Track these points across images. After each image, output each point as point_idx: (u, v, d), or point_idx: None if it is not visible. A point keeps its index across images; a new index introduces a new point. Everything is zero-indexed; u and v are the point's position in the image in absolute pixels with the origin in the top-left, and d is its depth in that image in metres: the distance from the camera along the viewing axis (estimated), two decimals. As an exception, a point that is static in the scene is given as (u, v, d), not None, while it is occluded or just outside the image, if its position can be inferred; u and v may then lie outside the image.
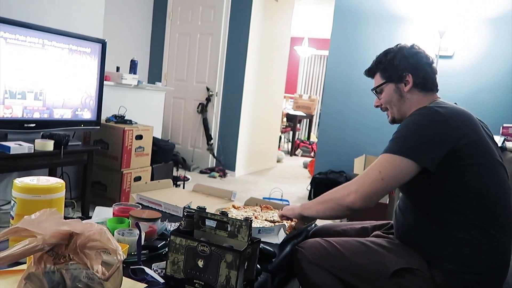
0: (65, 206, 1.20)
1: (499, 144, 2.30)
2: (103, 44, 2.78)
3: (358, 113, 3.98)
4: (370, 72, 1.41)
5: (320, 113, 4.41)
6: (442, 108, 1.19)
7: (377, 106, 1.42)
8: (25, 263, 0.97)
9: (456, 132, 1.15)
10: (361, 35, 3.97)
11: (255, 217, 1.51)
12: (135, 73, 3.39)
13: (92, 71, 2.75)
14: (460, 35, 3.59)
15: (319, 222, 1.64)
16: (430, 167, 1.14)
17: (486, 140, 1.20)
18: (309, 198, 3.84)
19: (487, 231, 1.15)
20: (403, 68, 1.30)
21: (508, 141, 2.48)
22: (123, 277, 0.90)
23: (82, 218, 1.27)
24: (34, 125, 2.45)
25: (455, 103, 1.28)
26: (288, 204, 1.94)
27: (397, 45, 1.37)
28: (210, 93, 4.76)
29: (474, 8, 3.52)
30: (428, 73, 1.31)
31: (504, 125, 2.80)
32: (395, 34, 3.80)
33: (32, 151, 2.28)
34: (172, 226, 1.36)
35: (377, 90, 1.38)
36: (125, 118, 3.11)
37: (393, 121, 1.39)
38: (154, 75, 5.07)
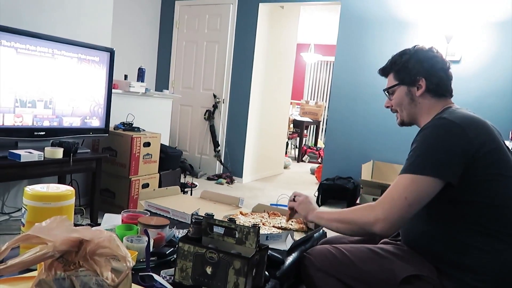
0: (74, 213, 1.21)
1: (508, 149, 2.28)
2: (111, 52, 2.82)
3: (365, 118, 3.98)
4: (384, 72, 1.39)
5: (327, 119, 4.40)
6: (456, 118, 1.16)
7: (387, 107, 1.40)
8: (36, 270, 0.98)
9: (474, 141, 1.12)
10: (367, 41, 3.97)
11: (263, 224, 1.52)
12: (142, 81, 3.43)
13: (101, 80, 2.79)
14: (467, 40, 3.58)
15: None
16: (453, 181, 1.11)
17: (503, 147, 1.19)
18: (317, 204, 3.82)
19: (500, 239, 1.14)
20: (416, 72, 1.28)
21: (517, 146, 2.46)
22: (132, 284, 0.90)
23: (91, 225, 1.28)
24: (44, 133, 2.49)
25: (466, 109, 1.27)
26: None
27: (415, 46, 1.35)
28: (217, 100, 4.79)
29: (480, 12, 3.52)
30: (442, 79, 1.28)
31: (513, 129, 2.78)
32: (401, 40, 3.79)
33: (42, 159, 2.31)
34: (180, 233, 1.37)
35: (389, 91, 1.36)
36: (133, 125, 3.13)
37: (402, 123, 1.38)
38: (162, 83, 5.12)
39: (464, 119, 1.16)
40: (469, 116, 1.18)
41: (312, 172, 5.67)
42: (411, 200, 1.11)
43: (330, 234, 1.59)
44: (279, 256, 1.23)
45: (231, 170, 4.72)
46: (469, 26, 3.56)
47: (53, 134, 2.54)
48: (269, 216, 1.62)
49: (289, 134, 6.83)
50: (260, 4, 4.53)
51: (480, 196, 1.14)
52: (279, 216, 1.63)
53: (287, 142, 6.59)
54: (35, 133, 2.44)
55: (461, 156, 1.11)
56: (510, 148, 2.32)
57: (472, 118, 1.18)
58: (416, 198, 1.11)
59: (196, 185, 4.13)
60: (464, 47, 3.60)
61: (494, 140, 1.16)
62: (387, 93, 1.38)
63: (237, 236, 1.04)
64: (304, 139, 7.24)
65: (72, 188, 1.13)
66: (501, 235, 1.14)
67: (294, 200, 1.43)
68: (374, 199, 3.37)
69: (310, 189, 4.59)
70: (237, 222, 1.37)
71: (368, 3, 3.95)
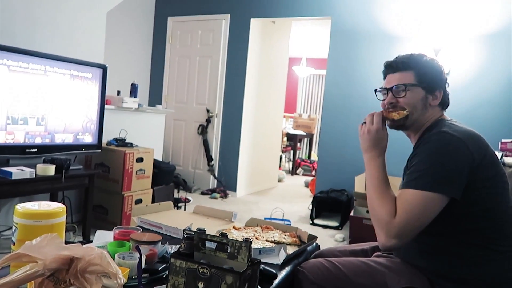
0: (66, 230, 1.20)
1: (498, 160, 2.31)
2: (104, 69, 2.83)
3: (357, 131, 3.99)
4: (403, 66, 1.27)
5: (320, 132, 4.43)
6: (457, 132, 1.15)
7: (391, 104, 1.28)
8: (26, 289, 0.97)
9: (475, 156, 1.12)
10: (358, 55, 4.03)
11: (256, 238, 1.51)
12: (135, 97, 3.44)
13: (93, 96, 2.80)
14: (456, 52, 3.65)
15: (320, 241, 1.63)
16: (457, 197, 1.11)
17: (498, 160, 1.20)
18: (311, 217, 3.82)
19: (493, 250, 1.15)
20: (438, 83, 1.28)
21: (506, 156, 2.49)
22: (124, 301, 0.90)
23: (83, 242, 1.27)
24: (36, 150, 2.48)
25: (456, 121, 1.28)
26: (290, 224, 1.93)
27: (421, 54, 1.30)
28: (210, 114, 4.80)
29: (468, 25, 3.59)
30: (448, 94, 1.32)
31: (503, 140, 2.82)
32: (391, 53, 3.83)
33: (34, 176, 2.30)
34: (172, 248, 1.36)
35: (406, 88, 1.25)
36: (126, 141, 3.13)
37: (401, 123, 1.28)
38: (155, 98, 5.13)
39: (464, 133, 1.16)
40: (467, 130, 1.19)
41: (306, 185, 5.67)
42: (423, 220, 1.11)
43: (324, 246, 1.59)
44: (272, 270, 1.22)
45: (225, 184, 4.72)
46: (457, 39, 3.63)
47: (45, 150, 2.53)
48: (262, 230, 1.61)
49: (283, 147, 6.85)
50: (252, 19, 4.59)
51: (474, 208, 1.14)
52: (272, 230, 1.63)
53: (280, 156, 6.60)
54: (27, 150, 2.43)
55: (465, 172, 1.11)
56: (500, 158, 2.35)
57: (470, 132, 1.18)
58: (427, 218, 1.11)
59: (190, 200, 4.11)
60: (453, 59, 3.67)
61: (491, 154, 1.18)
62: (397, 89, 1.26)
63: (229, 251, 1.04)
64: (297, 152, 7.26)
65: (63, 205, 1.13)
66: (494, 246, 1.15)
67: (362, 125, 1.31)
68: (367, 211, 3.38)
69: (305, 202, 4.59)
70: (230, 237, 1.37)
71: (357, 17, 4.03)
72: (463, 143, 1.13)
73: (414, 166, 1.16)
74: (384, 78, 1.35)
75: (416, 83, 1.26)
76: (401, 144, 1.40)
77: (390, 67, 1.32)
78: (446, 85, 1.31)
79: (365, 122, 1.29)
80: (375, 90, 1.37)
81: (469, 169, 1.12)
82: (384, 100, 1.32)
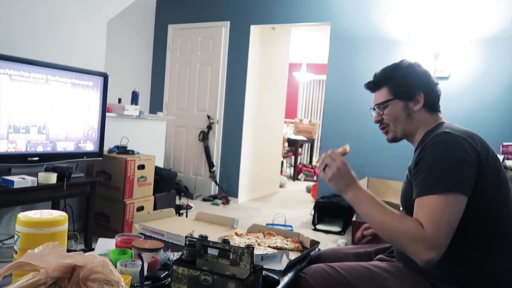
0: (68, 238, 1.20)
1: (499, 163, 2.31)
2: (105, 77, 2.85)
3: (358, 136, 4.01)
4: (376, 86, 1.34)
5: (321, 137, 4.43)
6: (459, 131, 1.16)
7: (377, 122, 1.35)
8: (28, 297, 0.97)
9: (480, 153, 1.13)
10: (357, 59, 4.05)
11: (258, 244, 1.51)
12: (136, 104, 3.45)
13: (95, 104, 2.81)
14: (455, 56, 3.66)
15: (322, 246, 1.63)
16: (469, 194, 1.09)
17: (499, 160, 1.21)
18: (313, 223, 3.81)
19: (496, 252, 1.15)
20: (417, 87, 1.27)
21: (508, 159, 2.49)
22: (126, 309, 0.89)
23: (85, 251, 1.27)
24: (38, 158, 2.48)
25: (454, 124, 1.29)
26: (292, 230, 1.94)
27: (402, 61, 1.34)
28: (211, 121, 4.81)
29: (467, 29, 3.61)
30: (437, 94, 1.31)
31: (504, 143, 2.82)
32: (390, 57, 3.86)
33: (36, 185, 2.30)
34: (175, 255, 1.36)
35: (382, 106, 1.31)
36: (127, 148, 3.14)
37: (393, 139, 1.34)
38: (156, 105, 5.15)
39: (466, 133, 1.17)
40: (468, 130, 1.20)
41: (308, 190, 5.66)
42: (453, 223, 1.07)
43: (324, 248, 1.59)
44: (274, 276, 1.22)
45: (227, 191, 4.71)
46: (457, 43, 3.64)
47: (47, 159, 2.54)
48: (264, 236, 1.61)
49: (284, 152, 6.85)
50: (252, 26, 4.62)
51: (479, 209, 1.13)
52: (274, 236, 1.62)
53: (282, 161, 6.60)
54: (29, 158, 2.44)
55: (475, 169, 1.11)
56: (502, 161, 2.35)
57: (471, 132, 1.19)
58: (455, 221, 1.07)
59: (192, 207, 4.11)
60: (452, 63, 3.68)
61: (493, 153, 1.18)
62: (378, 108, 1.33)
63: (231, 257, 1.04)
64: (299, 157, 7.26)
65: (65, 214, 1.13)
66: (497, 248, 1.15)
67: (324, 169, 1.23)
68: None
69: (306, 207, 4.58)
70: (232, 243, 1.37)
71: (356, 22, 4.05)
72: (467, 141, 1.13)
73: (427, 171, 1.12)
74: None
75: (391, 97, 1.30)
76: (402, 149, 1.41)
77: (369, 88, 1.38)
78: (431, 85, 1.29)
79: (325, 166, 1.23)
80: (370, 109, 1.42)
81: (478, 166, 1.11)
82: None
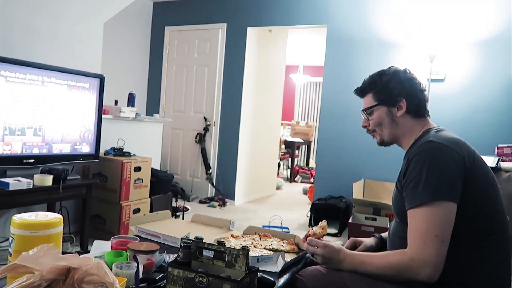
0: (64, 241, 1.20)
1: (494, 164, 2.33)
2: (101, 79, 2.85)
3: (354, 138, 4.02)
4: (362, 92, 1.41)
5: (317, 139, 4.44)
6: (443, 139, 1.19)
7: (364, 127, 1.41)
8: (23, 300, 0.97)
9: (465, 159, 1.15)
10: (354, 62, 4.06)
11: (254, 246, 1.51)
12: (133, 106, 3.45)
13: (91, 106, 2.80)
14: (451, 59, 3.68)
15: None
16: (457, 202, 1.12)
17: (485, 163, 1.23)
18: (310, 225, 3.82)
19: (490, 251, 1.16)
20: (398, 92, 1.31)
21: (503, 161, 2.50)
22: (121, 311, 0.89)
23: (80, 253, 1.27)
24: (33, 160, 2.47)
25: (443, 128, 1.30)
26: (288, 232, 1.94)
27: (391, 67, 1.37)
28: (208, 123, 4.81)
29: (463, 32, 3.63)
30: (421, 100, 1.33)
31: (499, 145, 2.83)
32: (386, 60, 3.88)
33: (31, 187, 2.30)
34: (170, 257, 1.36)
35: (367, 111, 1.37)
36: (124, 150, 3.13)
37: (381, 143, 1.39)
38: (152, 107, 5.14)
39: (450, 140, 1.19)
40: (453, 137, 1.22)
41: (305, 192, 5.67)
42: (442, 235, 1.09)
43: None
44: (270, 278, 1.22)
45: (223, 193, 4.71)
46: (452, 46, 3.66)
47: (43, 161, 2.53)
48: (260, 238, 1.61)
49: (281, 154, 6.86)
50: (248, 28, 4.63)
51: (471, 211, 1.15)
52: (270, 238, 1.62)
53: (279, 163, 6.60)
54: (24, 160, 2.43)
55: (460, 176, 1.13)
56: (496, 163, 2.36)
57: (456, 139, 1.21)
58: (444, 231, 1.10)
59: (188, 209, 4.10)
60: (448, 66, 3.69)
61: (479, 158, 1.21)
62: (365, 114, 1.39)
63: (226, 259, 1.04)
64: (295, 159, 7.27)
65: (60, 216, 1.13)
66: (492, 248, 1.16)
67: (313, 256, 1.30)
68: (366, 218, 3.38)
69: (303, 209, 4.58)
70: (228, 245, 1.37)
71: (353, 25, 4.06)
72: (451, 149, 1.16)
73: (413, 182, 1.15)
74: None
75: (375, 103, 1.35)
76: (398, 151, 1.41)
77: (357, 94, 1.44)
78: (415, 91, 1.32)
79: (312, 256, 1.30)
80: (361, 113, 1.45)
81: (464, 172, 1.14)
82: None
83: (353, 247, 1.47)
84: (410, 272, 1.11)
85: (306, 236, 1.37)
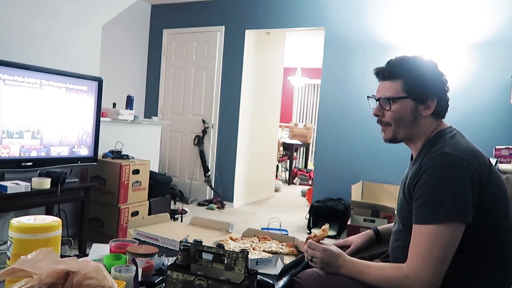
0: (62, 244, 1.20)
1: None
2: (100, 82, 2.84)
3: (353, 140, 4.03)
4: (391, 75, 1.20)
5: (316, 141, 4.44)
6: (458, 151, 1.11)
7: (377, 115, 1.24)
8: (21, 304, 0.96)
9: (482, 174, 1.09)
10: (352, 64, 4.07)
11: (253, 248, 1.51)
12: (131, 109, 3.44)
13: (89, 109, 2.80)
14: (449, 60, 3.69)
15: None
16: (470, 221, 1.07)
17: (497, 172, 1.17)
18: (308, 227, 3.82)
19: (497, 264, 1.15)
20: (431, 91, 1.17)
21: (501, 162, 2.51)
22: (120, 315, 0.89)
23: (79, 256, 1.27)
24: (31, 163, 2.47)
25: (455, 128, 1.24)
26: (287, 234, 1.94)
27: (421, 56, 1.21)
28: (206, 125, 4.81)
29: (460, 34, 3.64)
30: (447, 102, 1.22)
31: (497, 147, 2.84)
32: (384, 62, 3.88)
33: (29, 190, 2.29)
34: (169, 260, 1.36)
35: (391, 101, 1.18)
36: (122, 153, 3.13)
37: (392, 139, 1.24)
38: (151, 110, 5.14)
39: (468, 152, 1.11)
40: (470, 147, 1.14)
41: (303, 194, 5.67)
42: (443, 257, 1.05)
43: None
44: (269, 280, 1.22)
45: (222, 195, 4.70)
46: (450, 47, 3.67)
47: (41, 164, 2.53)
48: (259, 241, 1.61)
49: (279, 157, 6.86)
50: (247, 31, 4.63)
51: (478, 225, 1.10)
52: (269, 240, 1.62)
53: (277, 165, 6.60)
54: (22, 163, 2.42)
55: (475, 194, 1.08)
56: (494, 164, 2.37)
57: (472, 150, 1.14)
58: (446, 252, 1.06)
59: (187, 211, 4.10)
60: (446, 67, 3.69)
61: (495, 171, 1.15)
62: (383, 101, 1.20)
63: (225, 262, 1.04)
64: (294, 161, 7.27)
65: (58, 219, 1.13)
66: (498, 264, 1.15)
67: (311, 260, 1.26)
68: (364, 220, 3.39)
69: (302, 211, 4.58)
70: (227, 248, 1.37)
71: (350, 27, 4.07)
72: (468, 163, 1.08)
73: (425, 196, 1.09)
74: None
75: (404, 95, 1.18)
76: (397, 153, 1.41)
77: (380, 75, 1.25)
78: (445, 91, 1.21)
79: (311, 259, 1.26)
80: (368, 97, 1.32)
81: (478, 190, 1.08)
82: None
83: (346, 246, 1.46)
84: (406, 285, 1.08)
85: (307, 239, 1.37)
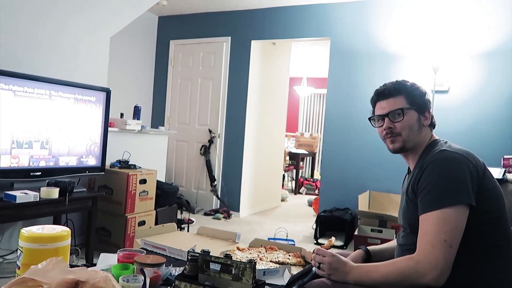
0: (70, 253, 1.21)
1: (500, 176, 2.32)
2: (108, 92, 2.88)
3: (359, 149, 4.02)
4: (395, 92, 1.33)
5: (322, 151, 4.44)
6: (454, 149, 1.23)
7: (389, 129, 1.32)
8: (31, 313, 0.97)
9: (478, 167, 1.19)
10: (357, 74, 4.08)
11: (260, 259, 1.51)
12: (138, 119, 3.47)
13: (97, 119, 2.83)
14: (455, 70, 3.69)
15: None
16: (473, 203, 1.14)
17: (491, 174, 1.26)
18: (315, 237, 3.79)
19: (499, 257, 1.18)
20: (426, 104, 1.35)
21: (509, 172, 2.49)
22: (128, 325, 0.89)
23: (87, 266, 1.27)
24: (40, 173, 2.49)
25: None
26: (294, 244, 1.94)
27: (404, 79, 1.39)
28: (213, 135, 4.83)
29: (467, 43, 3.64)
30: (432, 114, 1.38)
31: (505, 156, 2.82)
32: (390, 71, 3.90)
33: (38, 199, 2.31)
34: (177, 270, 1.36)
35: (401, 112, 1.30)
36: (129, 163, 3.15)
37: (401, 148, 1.32)
38: (157, 120, 5.18)
39: (462, 151, 1.23)
40: (463, 148, 1.25)
41: (310, 204, 5.64)
42: (450, 240, 1.11)
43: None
44: (276, 291, 1.22)
45: (228, 205, 4.70)
46: (456, 57, 3.67)
47: (49, 174, 2.55)
48: (266, 251, 1.61)
49: (285, 166, 6.85)
50: (252, 41, 4.67)
51: (478, 216, 1.16)
52: (276, 250, 1.62)
53: (283, 175, 6.59)
54: (31, 173, 2.45)
55: (475, 181, 1.16)
56: (502, 174, 2.35)
57: (466, 150, 1.25)
58: (454, 236, 1.11)
59: (193, 221, 4.10)
60: (452, 77, 3.70)
61: (487, 169, 1.24)
62: (392, 115, 1.31)
63: (233, 272, 1.04)
64: (300, 171, 7.25)
65: (67, 229, 1.14)
66: (500, 254, 1.18)
67: (319, 267, 1.27)
68: (371, 230, 3.36)
69: (308, 221, 4.56)
70: (234, 258, 1.37)
71: (356, 38, 4.09)
72: (465, 158, 1.19)
73: (427, 189, 1.17)
74: (374, 106, 1.39)
75: (409, 106, 1.31)
76: (403, 163, 1.41)
77: (382, 95, 1.36)
78: (431, 106, 1.38)
79: (318, 265, 1.26)
80: (369, 119, 1.40)
81: (477, 179, 1.17)
82: (381, 126, 1.34)
83: None
84: (415, 275, 1.12)
85: (313, 252, 1.37)
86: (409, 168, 1.40)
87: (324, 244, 1.40)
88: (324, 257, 1.26)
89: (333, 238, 1.45)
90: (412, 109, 1.31)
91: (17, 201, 2.20)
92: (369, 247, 1.50)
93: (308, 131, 8.74)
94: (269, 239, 2.50)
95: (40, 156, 2.51)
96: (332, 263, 1.24)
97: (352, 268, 1.24)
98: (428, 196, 1.17)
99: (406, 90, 1.34)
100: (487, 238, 1.18)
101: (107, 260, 1.41)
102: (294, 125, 8.84)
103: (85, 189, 2.75)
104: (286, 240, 3.31)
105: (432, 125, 1.36)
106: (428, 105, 1.35)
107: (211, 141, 4.84)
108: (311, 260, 1.32)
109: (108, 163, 3.03)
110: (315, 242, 3.76)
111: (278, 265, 1.45)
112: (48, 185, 2.49)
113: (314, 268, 1.51)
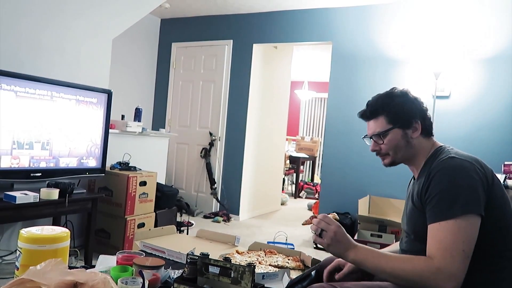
0: (69, 255, 1.20)
1: (501, 182, 2.31)
2: (109, 94, 2.88)
3: (359, 154, 4.01)
4: (372, 114, 1.33)
5: (322, 155, 4.44)
6: (463, 156, 1.20)
7: (375, 151, 1.35)
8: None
9: (487, 175, 1.17)
10: (358, 78, 4.09)
11: (259, 262, 1.50)
12: (139, 121, 3.48)
13: (98, 120, 2.83)
14: (456, 76, 3.69)
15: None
16: (483, 213, 1.12)
17: (499, 181, 1.24)
18: (315, 241, 3.77)
19: (505, 268, 1.16)
20: (414, 114, 1.29)
21: (509, 178, 2.49)
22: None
23: (86, 267, 1.27)
24: (40, 174, 2.49)
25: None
26: (293, 248, 1.93)
27: (393, 88, 1.35)
28: (213, 138, 4.84)
29: (468, 48, 3.65)
30: (430, 119, 1.33)
31: (506, 162, 2.82)
32: (391, 76, 3.91)
33: (38, 200, 2.31)
34: (175, 273, 1.35)
35: (382, 135, 1.30)
36: (130, 165, 3.15)
37: (392, 163, 1.34)
38: (158, 122, 5.18)
39: (470, 157, 1.20)
40: (470, 155, 1.23)
41: (310, 208, 5.64)
42: (468, 250, 1.09)
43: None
44: (275, 295, 1.21)
45: (228, 208, 4.70)
46: (457, 62, 3.68)
47: (50, 175, 2.55)
48: (265, 255, 1.61)
49: (286, 170, 6.84)
50: (254, 45, 4.68)
51: (488, 225, 1.14)
52: (275, 254, 1.62)
53: (283, 178, 6.59)
54: (32, 174, 2.45)
55: (484, 190, 1.14)
56: (504, 180, 2.35)
57: (474, 157, 1.22)
58: (470, 246, 1.09)
59: (193, 224, 4.09)
60: (453, 82, 3.71)
61: (496, 176, 1.22)
62: (376, 137, 1.32)
63: (232, 276, 1.04)
64: (300, 175, 7.25)
65: (67, 230, 1.14)
66: (507, 264, 1.16)
67: (320, 234, 1.20)
68: (371, 235, 3.35)
69: (308, 225, 4.55)
70: (233, 261, 1.36)
71: (358, 42, 4.10)
72: (473, 164, 1.17)
73: (437, 197, 1.14)
74: None
75: (390, 126, 1.29)
76: (404, 168, 1.41)
77: (364, 116, 1.37)
78: (425, 111, 1.32)
79: (321, 232, 1.20)
80: (363, 137, 1.41)
81: (486, 187, 1.15)
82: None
83: (338, 269, 1.42)
84: (433, 282, 1.07)
85: (312, 218, 1.33)
86: (413, 176, 1.38)
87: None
88: (330, 225, 1.20)
89: (335, 214, 1.37)
90: (394, 127, 1.29)
91: (17, 202, 2.20)
92: None
93: (309, 135, 8.74)
94: (268, 242, 2.50)
95: (41, 157, 2.51)
96: (338, 233, 1.19)
97: (357, 247, 1.19)
98: (440, 204, 1.13)
99: (385, 109, 1.30)
100: (495, 248, 1.16)
101: (106, 262, 1.40)
102: (295, 129, 8.84)
103: (85, 191, 2.75)
104: (285, 244, 3.30)
105: (426, 132, 1.31)
106: (414, 114, 1.29)
107: (211, 144, 4.84)
108: (311, 229, 1.24)
109: (108, 164, 3.03)
110: (315, 246, 3.75)
111: (277, 269, 1.45)
112: (48, 186, 2.49)
113: (313, 272, 1.51)
